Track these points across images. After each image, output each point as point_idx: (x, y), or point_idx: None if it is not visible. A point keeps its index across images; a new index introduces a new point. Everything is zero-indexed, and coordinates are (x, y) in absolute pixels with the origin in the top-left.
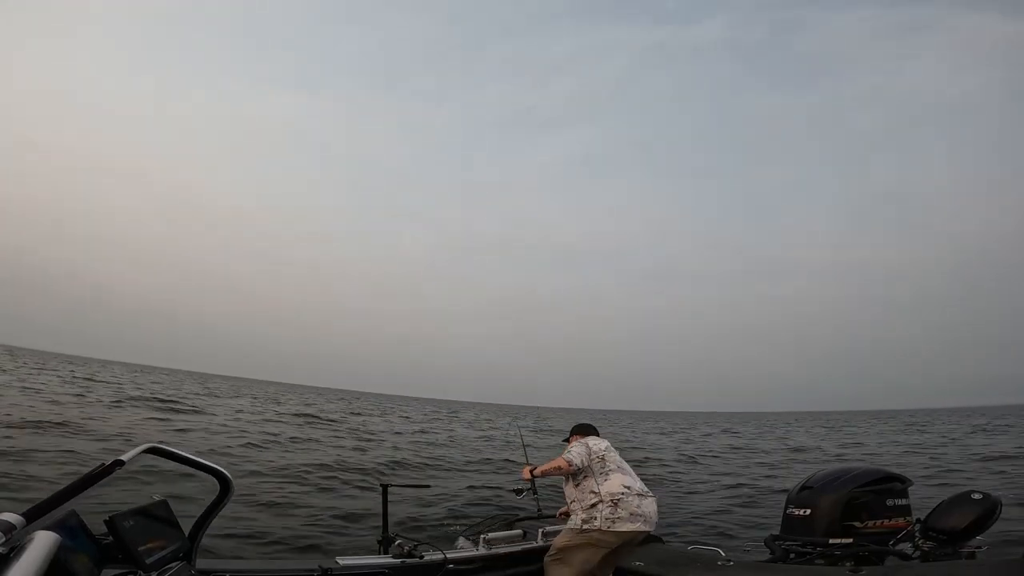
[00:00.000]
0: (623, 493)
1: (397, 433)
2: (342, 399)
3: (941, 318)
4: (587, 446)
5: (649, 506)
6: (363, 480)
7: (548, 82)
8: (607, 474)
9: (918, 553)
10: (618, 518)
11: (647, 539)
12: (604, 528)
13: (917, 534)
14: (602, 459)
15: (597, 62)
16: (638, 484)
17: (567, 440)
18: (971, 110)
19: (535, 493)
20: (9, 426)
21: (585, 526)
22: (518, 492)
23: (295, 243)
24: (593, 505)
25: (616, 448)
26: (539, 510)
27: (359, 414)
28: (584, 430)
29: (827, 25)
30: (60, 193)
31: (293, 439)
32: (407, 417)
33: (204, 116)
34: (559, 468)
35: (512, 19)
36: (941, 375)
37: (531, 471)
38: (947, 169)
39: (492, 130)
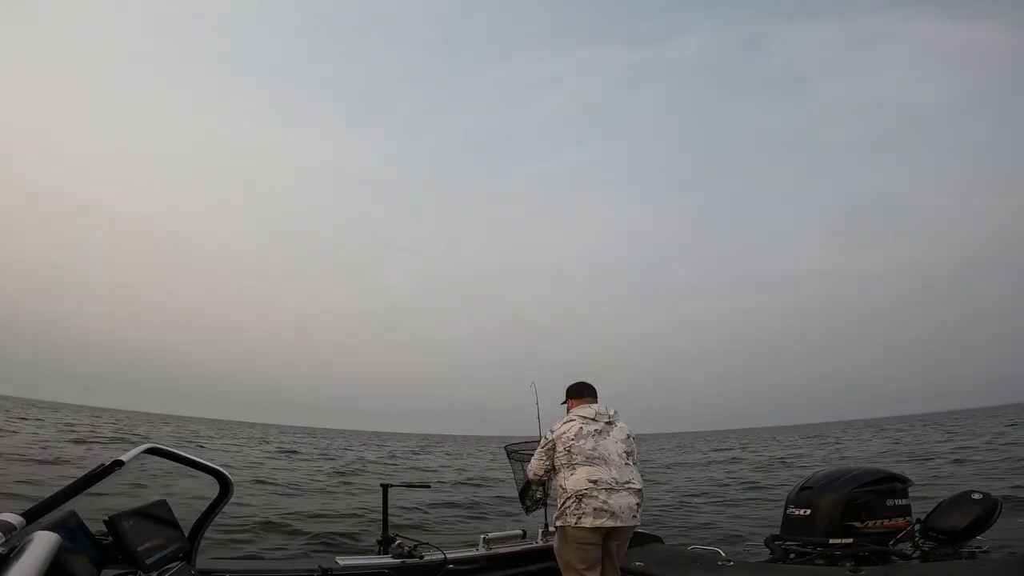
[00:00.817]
0: (587, 488)
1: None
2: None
3: (921, 323)
4: (553, 437)
5: (620, 499)
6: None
7: (529, 106)
8: (573, 468)
9: (918, 553)
10: (583, 514)
11: (646, 539)
12: (573, 524)
13: (917, 534)
14: (568, 451)
15: (576, 86)
16: (611, 475)
17: (565, 403)
18: (933, 117)
19: (544, 504)
20: None
21: (558, 522)
22: (527, 509)
23: (273, 277)
24: (563, 502)
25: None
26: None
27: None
28: (576, 392)
29: (789, 40)
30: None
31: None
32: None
33: (176, 146)
34: (531, 480)
35: (489, 46)
36: (914, 381)
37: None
38: (920, 176)
39: (476, 155)
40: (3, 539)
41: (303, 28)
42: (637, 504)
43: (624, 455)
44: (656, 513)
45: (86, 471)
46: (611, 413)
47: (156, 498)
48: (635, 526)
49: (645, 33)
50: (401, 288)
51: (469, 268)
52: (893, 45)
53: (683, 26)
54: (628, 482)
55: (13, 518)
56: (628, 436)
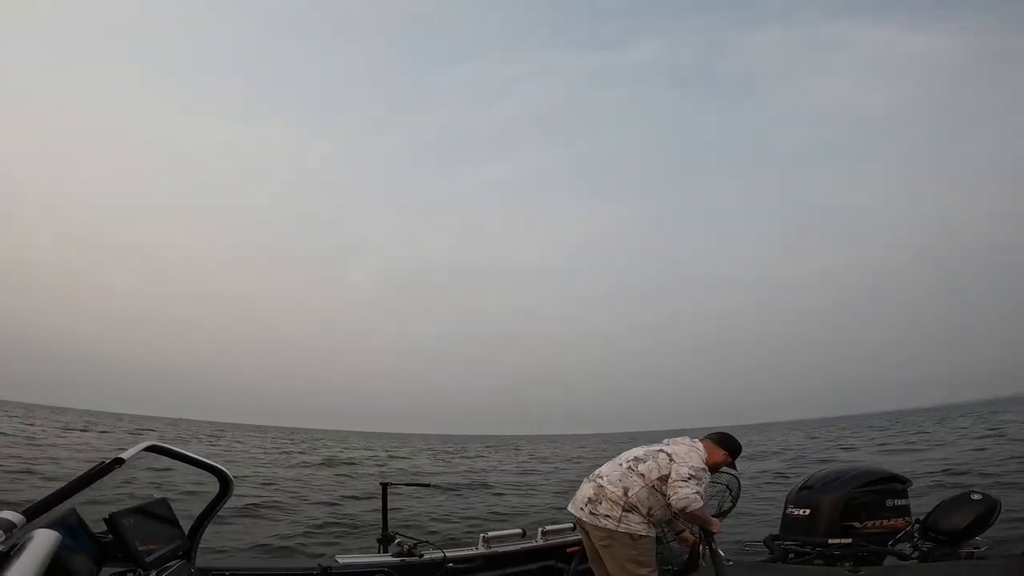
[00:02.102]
0: (586, 478)
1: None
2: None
3: (868, 324)
4: None
5: (584, 488)
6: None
7: (493, 107)
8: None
9: (917, 553)
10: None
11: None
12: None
13: (916, 534)
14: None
15: (539, 87)
16: (601, 468)
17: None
18: (884, 123)
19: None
20: None
21: None
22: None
23: (229, 275)
24: None
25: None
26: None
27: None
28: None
29: (745, 46)
30: None
31: None
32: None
33: (138, 145)
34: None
35: (453, 46)
36: (866, 380)
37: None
38: (870, 181)
39: (439, 155)
40: (3, 537)
41: (263, 27)
42: (589, 499)
43: (632, 460)
44: None
45: (86, 469)
46: (680, 440)
47: (156, 496)
48: (596, 525)
49: (608, 37)
50: (363, 286)
51: (431, 267)
52: (845, 52)
53: (645, 31)
54: (601, 476)
55: (13, 516)
56: (662, 452)
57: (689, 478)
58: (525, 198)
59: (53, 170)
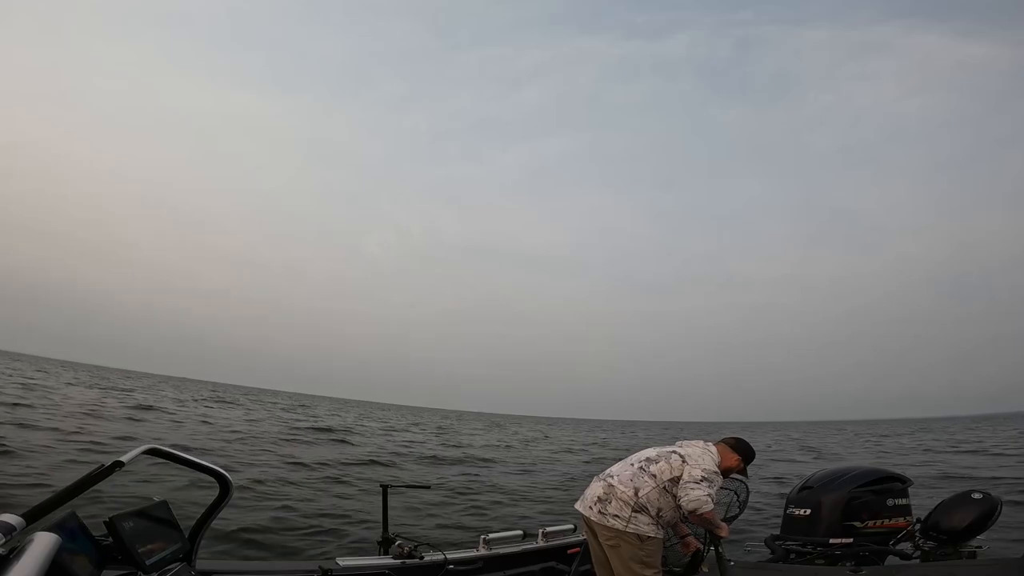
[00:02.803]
0: (596, 476)
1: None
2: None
3: (882, 331)
4: None
5: (593, 486)
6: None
7: (518, 92)
8: None
9: (918, 553)
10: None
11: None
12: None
13: (917, 534)
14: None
15: (567, 74)
16: (612, 468)
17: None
18: (922, 130)
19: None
20: None
21: None
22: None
23: (259, 243)
24: None
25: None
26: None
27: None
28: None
29: (787, 44)
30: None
31: None
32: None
33: (170, 115)
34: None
35: (483, 28)
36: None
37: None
38: (895, 187)
39: (461, 137)
40: (3, 540)
41: (290, 3)
42: (599, 498)
43: (644, 460)
44: None
45: (86, 472)
46: (694, 442)
47: (156, 499)
48: (604, 524)
49: (642, 26)
50: (380, 259)
51: (446, 245)
52: (888, 57)
53: (681, 22)
54: (612, 475)
55: (13, 519)
56: (675, 454)
57: (701, 480)
58: (543, 184)
59: (85, 136)
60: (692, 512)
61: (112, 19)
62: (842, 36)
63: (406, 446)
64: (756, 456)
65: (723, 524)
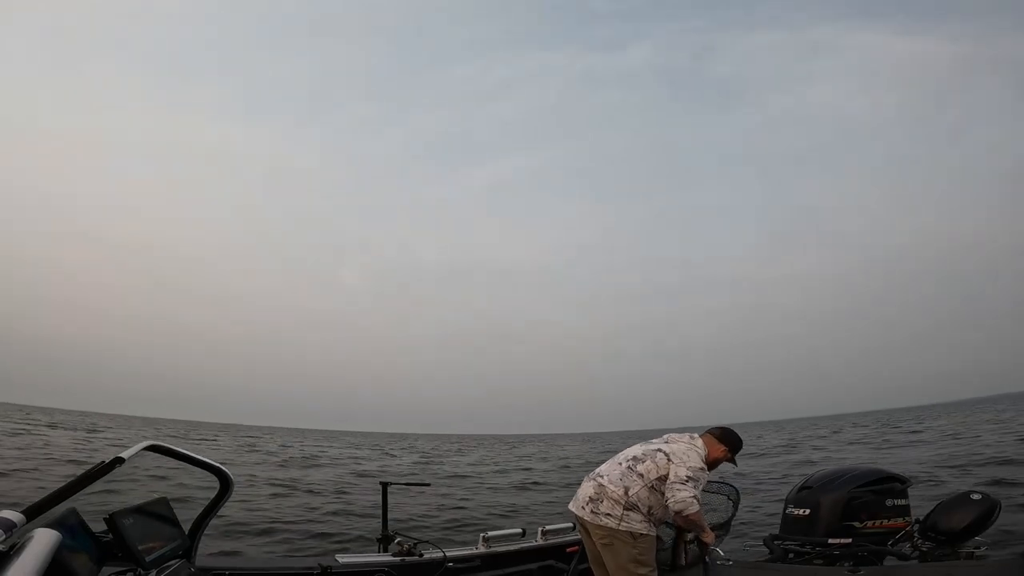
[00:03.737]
0: (586, 476)
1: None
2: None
3: (853, 326)
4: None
5: (584, 486)
6: None
7: (484, 109)
8: None
9: (917, 553)
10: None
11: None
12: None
13: (916, 534)
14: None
15: (531, 89)
16: (601, 468)
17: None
18: (874, 127)
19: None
20: None
21: None
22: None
23: (221, 275)
24: None
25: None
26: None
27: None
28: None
29: (738, 49)
30: None
31: None
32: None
33: (123, 143)
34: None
35: (446, 47)
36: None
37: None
38: (856, 184)
39: (431, 157)
40: (3, 536)
41: (251, 26)
42: (591, 498)
43: (631, 460)
44: None
45: (86, 468)
46: (679, 437)
47: (156, 495)
48: (597, 524)
49: (602, 40)
50: (354, 287)
51: (421, 268)
52: (837, 56)
53: (639, 34)
54: (601, 475)
55: (13, 515)
56: (660, 452)
57: (687, 480)
58: (516, 201)
59: (44, 169)
60: (678, 513)
61: (59, 48)
62: (787, 38)
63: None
64: (744, 445)
65: (708, 531)
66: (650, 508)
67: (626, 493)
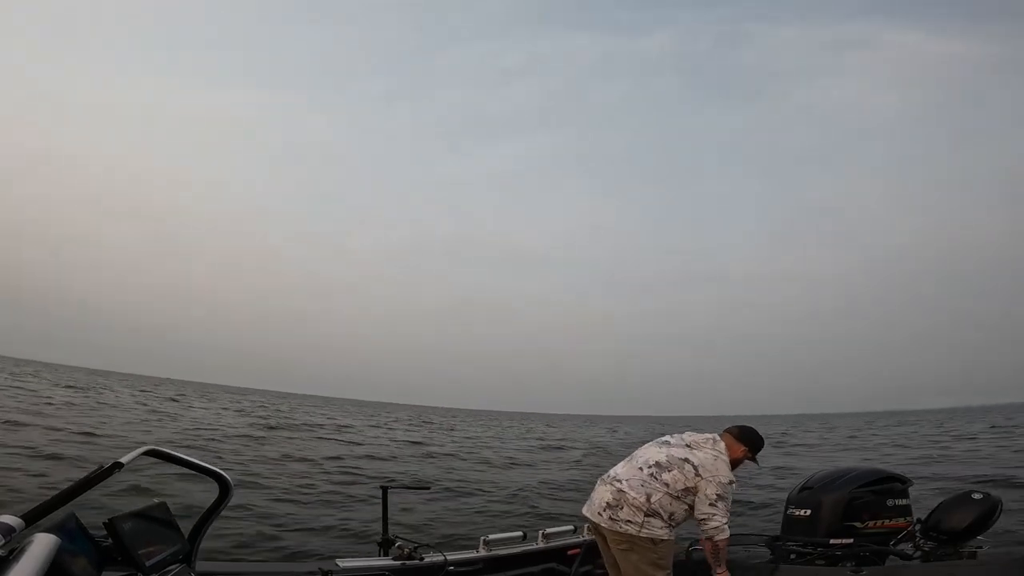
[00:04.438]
0: (600, 480)
1: None
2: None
3: (862, 326)
4: None
5: (601, 491)
6: None
7: (501, 88)
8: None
9: (919, 553)
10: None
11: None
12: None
13: (918, 534)
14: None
15: (549, 70)
16: (617, 470)
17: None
18: (898, 127)
19: None
20: None
21: None
22: None
23: (237, 242)
24: None
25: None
26: None
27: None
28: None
29: (767, 40)
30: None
31: None
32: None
33: (141, 110)
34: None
35: (465, 24)
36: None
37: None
38: (874, 184)
39: (445, 134)
40: (3, 541)
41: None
42: (608, 504)
43: (654, 467)
44: None
45: (85, 473)
46: (702, 441)
47: (156, 500)
48: (616, 530)
49: (626, 23)
50: (366, 259)
51: (432, 244)
52: (866, 52)
53: (664, 19)
54: (619, 479)
55: (13, 520)
56: (688, 463)
57: (716, 500)
58: (529, 181)
59: (53, 131)
60: (708, 539)
61: (74, 20)
62: (820, 31)
63: None
64: (765, 444)
65: (726, 568)
66: (672, 515)
67: (648, 500)
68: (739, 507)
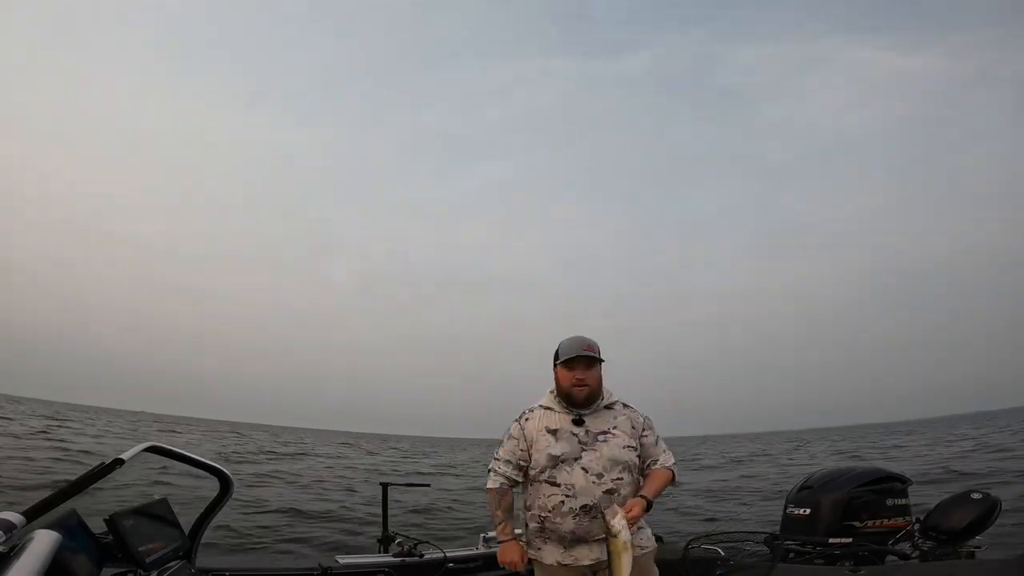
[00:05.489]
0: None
1: None
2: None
3: (840, 339)
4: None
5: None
6: None
7: (482, 111)
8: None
9: (917, 553)
10: None
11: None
12: None
13: (917, 534)
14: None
15: (530, 92)
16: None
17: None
18: (868, 141)
19: None
20: None
21: None
22: None
23: (206, 270)
24: None
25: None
26: None
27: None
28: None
29: (742, 59)
30: None
31: None
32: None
33: (111, 130)
34: None
35: (445, 48)
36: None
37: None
38: (847, 198)
39: (426, 157)
40: (3, 538)
41: (248, 15)
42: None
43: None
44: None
45: (86, 470)
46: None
47: (156, 497)
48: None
49: (603, 45)
50: (342, 286)
51: (411, 270)
52: (834, 69)
53: (639, 41)
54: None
55: (13, 516)
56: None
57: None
58: (507, 203)
59: (33, 159)
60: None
61: (62, 30)
62: (791, 51)
63: None
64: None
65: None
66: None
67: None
68: (737, 506)
